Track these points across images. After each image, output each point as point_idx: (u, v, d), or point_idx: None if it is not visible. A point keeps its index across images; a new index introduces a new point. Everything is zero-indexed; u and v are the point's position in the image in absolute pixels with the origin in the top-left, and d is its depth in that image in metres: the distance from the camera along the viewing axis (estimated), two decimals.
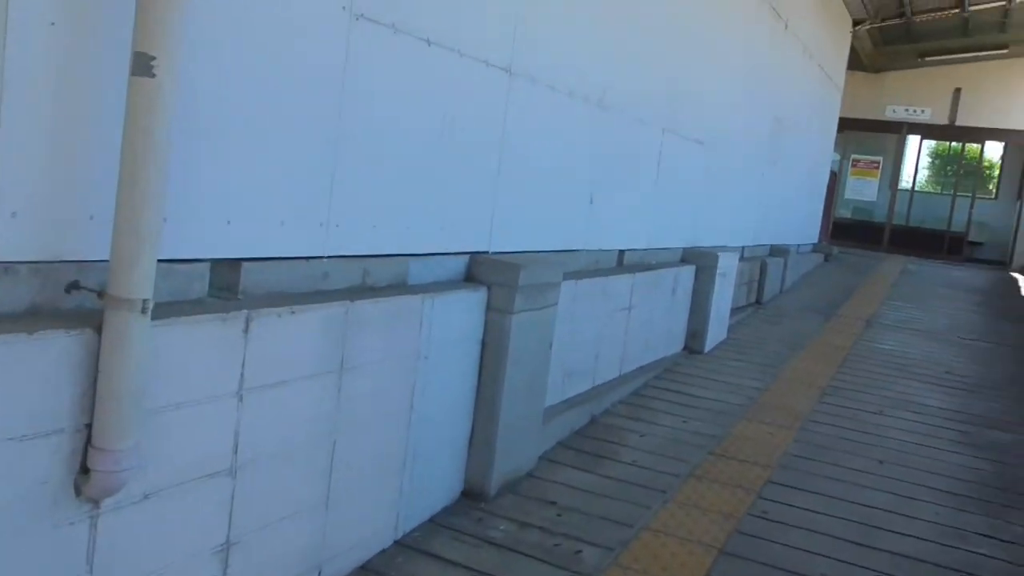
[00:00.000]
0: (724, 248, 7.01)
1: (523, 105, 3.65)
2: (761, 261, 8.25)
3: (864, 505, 3.78)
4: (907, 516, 3.70)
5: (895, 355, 6.77)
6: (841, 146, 16.63)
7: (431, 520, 3.22)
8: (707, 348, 6.29)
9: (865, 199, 16.59)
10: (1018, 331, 8.43)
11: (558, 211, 4.26)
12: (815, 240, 11.93)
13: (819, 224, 12.04)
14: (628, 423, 4.68)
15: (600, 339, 4.78)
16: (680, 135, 5.87)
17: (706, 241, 6.69)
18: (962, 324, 8.35)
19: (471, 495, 3.45)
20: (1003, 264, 15.44)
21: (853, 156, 16.51)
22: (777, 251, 9.06)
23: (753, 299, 8.14)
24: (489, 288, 3.37)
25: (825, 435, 4.74)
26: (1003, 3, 11.76)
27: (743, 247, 8.04)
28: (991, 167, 18.06)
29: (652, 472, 3.96)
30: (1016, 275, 13.50)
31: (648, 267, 5.48)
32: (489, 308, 3.38)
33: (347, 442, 2.66)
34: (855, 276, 10.92)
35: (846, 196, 16.66)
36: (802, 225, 10.93)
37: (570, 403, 4.45)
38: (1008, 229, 15.80)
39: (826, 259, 11.79)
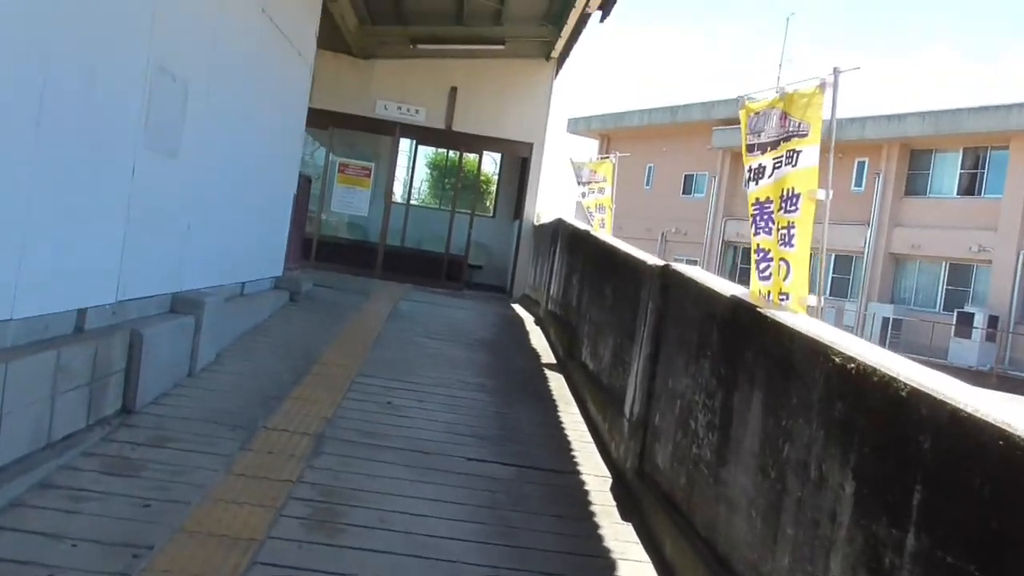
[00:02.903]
0: None
1: None
2: (131, 332, 4.41)
3: None
4: None
5: (349, 552, 3.42)
6: (329, 146, 13.64)
7: None
8: None
9: (357, 213, 13.65)
10: (535, 424, 5.84)
11: None
12: (278, 272, 8.45)
13: (284, 248, 8.61)
14: None
15: None
16: None
17: None
18: (465, 421, 5.45)
19: None
20: (503, 291, 13.77)
21: (341, 160, 13.51)
22: (182, 304, 5.31)
23: (113, 409, 4.26)
24: None
25: None
26: None
27: (81, 310, 4.12)
28: (488, 182, 16.55)
29: None
30: (518, 309, 11.64)
31: None
32: None
33: None
34: (326, 326, 7.67)
35: (333, 209, 13.61)
36: (249, 253, 7.35)
37: None
38: (506, 251, 14.21)
39: (292, 298, 8.40)
